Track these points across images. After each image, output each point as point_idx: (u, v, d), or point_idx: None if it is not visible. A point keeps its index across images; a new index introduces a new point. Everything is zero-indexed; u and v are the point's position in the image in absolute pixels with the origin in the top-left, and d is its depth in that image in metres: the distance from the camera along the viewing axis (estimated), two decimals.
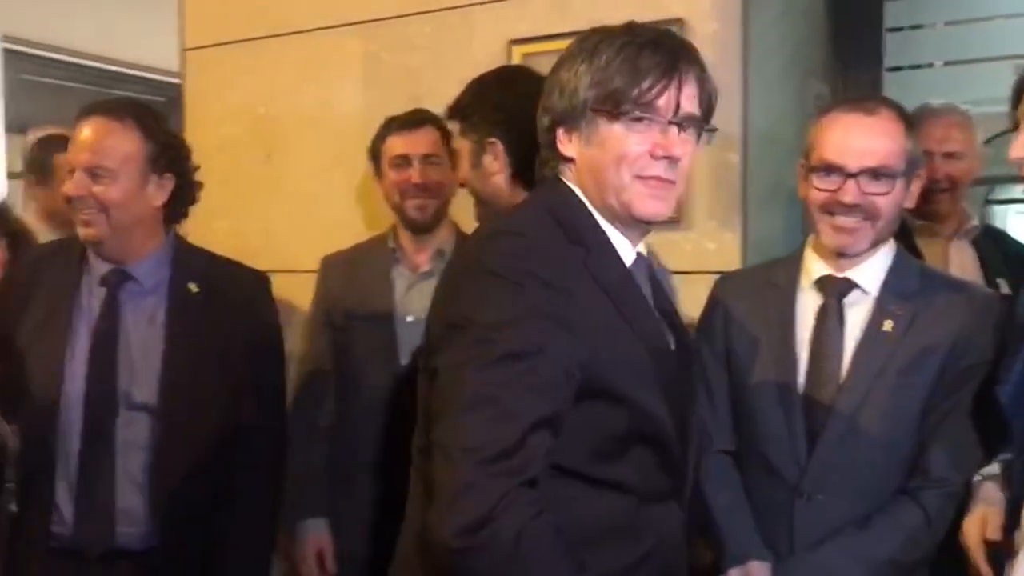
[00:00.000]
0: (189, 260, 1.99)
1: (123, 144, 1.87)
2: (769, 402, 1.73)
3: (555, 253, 1.22)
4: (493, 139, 1.69)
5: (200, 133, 2.86)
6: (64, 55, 5.01)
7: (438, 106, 2.58)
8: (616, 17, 2.30)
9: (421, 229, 2.29)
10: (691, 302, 1.95)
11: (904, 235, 2.24)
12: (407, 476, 1.34)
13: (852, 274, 1.72)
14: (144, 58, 5.01)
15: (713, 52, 2.24)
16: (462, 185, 1.92)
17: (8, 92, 4.87)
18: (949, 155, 2.40)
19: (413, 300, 2.23)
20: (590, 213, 1.30)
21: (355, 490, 2.23)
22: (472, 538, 1.08)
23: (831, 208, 1.67)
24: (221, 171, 2.78)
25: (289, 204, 2.81)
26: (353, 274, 2.34)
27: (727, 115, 2.22)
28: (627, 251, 1.32)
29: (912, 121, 1.76)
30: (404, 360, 2.19)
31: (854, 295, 1.72)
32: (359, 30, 2.69)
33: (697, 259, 2.24)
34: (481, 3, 2.53)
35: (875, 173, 1.64)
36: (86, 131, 1.87)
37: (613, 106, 1.25)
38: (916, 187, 1.73)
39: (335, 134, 2.67)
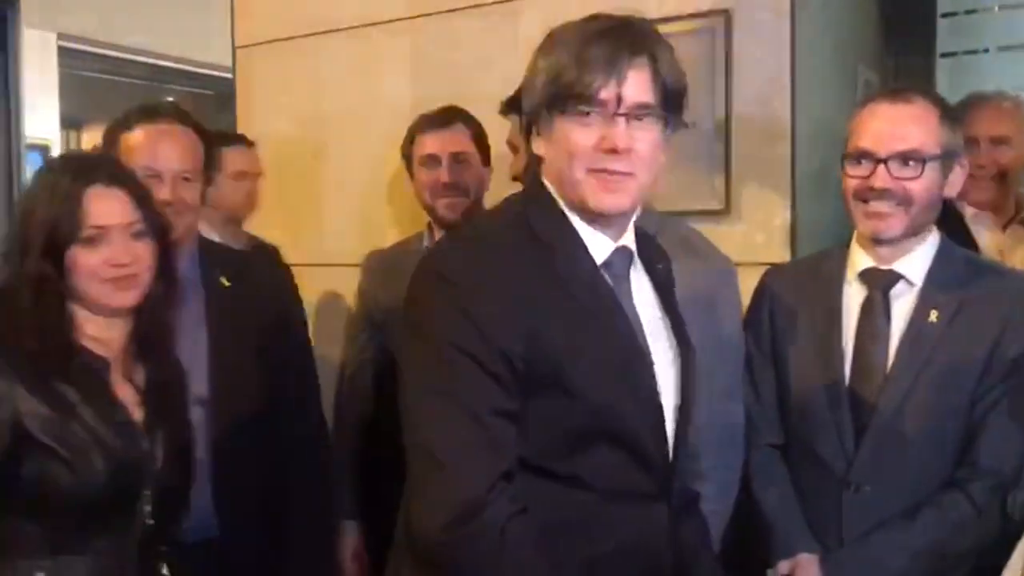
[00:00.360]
0: (213, 254, 2.03)
1: (199, 148, 1.93)
2: (816, 395, 1.72)
3: (513, 255, 1.24)
4: None
5: (251, 129, 2.92)
6: (117, 51, 5.12)
7: (484, 102, 2.60)
8: (661, 9, 2.32)
9: (453, 228, 2.25)
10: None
11: (957, 224, 2.21)
12: None
13: (897, 265, 1.72)
14: (193, 54, 5.10)
15: (761, 42, 2.23)
16: (515, 179, 1.92)
17: (62, 88, 4.98)
18: (996, 141, 2.36)
19: None
20: (560, 211, 1.29)
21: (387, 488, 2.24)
22: (458, 530, 1.14)
23: (864, 195, 1.68)
24: (271, 166, 2.83)
25: (338, 199, 2.85)
26: (390, 272, 2.31)
27: (776, 105, 2.22)
28: (601, 247, 1.30)
29: (954, 110, 1.75)
30: None
31: (899, 287, 1.72)
32: (407, 26, 2.71)
33: (746, 250, 2.23)
34: None
35: (905, 158, 1.65)
36: (166, 137, 1.91)
37: (561, 101, 1.24)
38: (958, 175, 1.71)
39: (383, 130, 2.70)
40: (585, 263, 1.28)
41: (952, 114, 1.72)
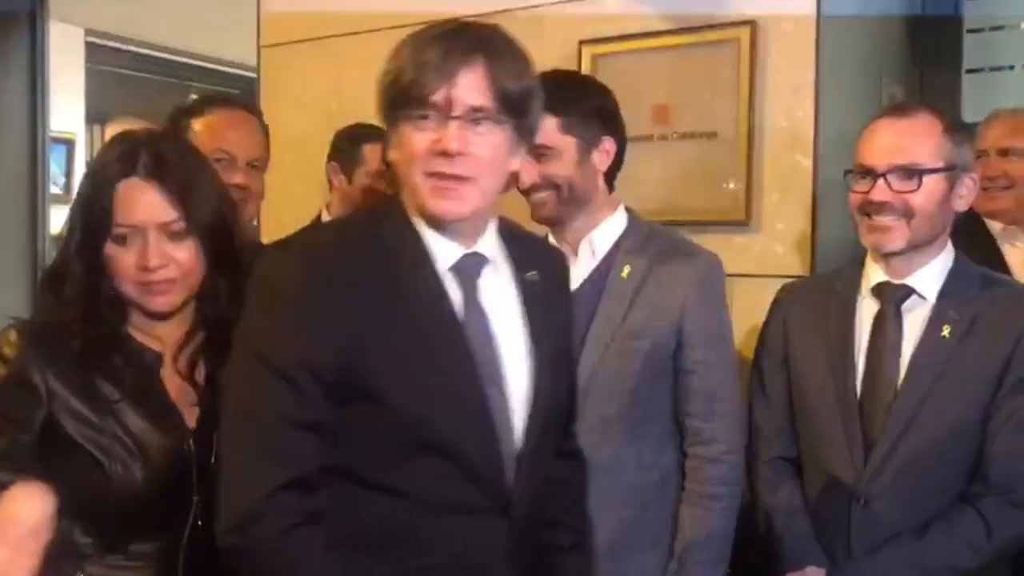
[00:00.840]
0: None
1: (265, 140, 2.01)
2: (827, 408, 1.72)
3: (346, 263, 1.23)
4: (607, 138, 1.75)
5: (274, 128, 2.91)
6: (142, 48, 5.16)
7: None
8: (687, 18, 2.32)
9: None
10: (757, 306, 1.95)
11: (982, 239, 2.20)
12: None
13: (910, 280, 1.72)
14: (218, 52, 5.13)
15: (786, 53, 2.23)
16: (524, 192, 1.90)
17: (89, 83, 5.02)
18: (1004, 152, 2.39)
19: None
20: (407, 218, 1.28)
21: None
22: (237, 539, 1.16)
23: (866, 208, 1.70)
24: (293, 165, 2.85)
25: None
26: None
27: (799, 117, 2.22)
28: (447, 253, 1.28)
29: (961, 126, 1.77)
30: None
31: (912, 301, 1.72)
32: None
33: (765, 262, 2.23)
34: (551, 3, 2.54)
35: (904, 171, 1.66)
36: (241, 123, 1.94)
37: (400, 105, 1.23)
38: (968, 189, 1.72)
39: None
40: (425, 269, 1.26)
41: (958, 129, 1.73)
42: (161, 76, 5.52)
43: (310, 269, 1.22)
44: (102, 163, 1.41)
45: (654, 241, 1.78)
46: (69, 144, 5.06)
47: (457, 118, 1.21)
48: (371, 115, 2.99)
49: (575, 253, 1.78)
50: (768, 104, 2.25)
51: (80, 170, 5.28)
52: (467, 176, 1.23)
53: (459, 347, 1.24)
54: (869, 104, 2.43)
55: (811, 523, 1.73)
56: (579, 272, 1.76)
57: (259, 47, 3.06)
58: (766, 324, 1.88)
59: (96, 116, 5.52)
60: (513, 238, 1.38)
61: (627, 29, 2.40)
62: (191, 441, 1.38)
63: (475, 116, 1.22)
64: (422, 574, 1.21)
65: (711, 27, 2.29)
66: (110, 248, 1.38)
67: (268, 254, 1.32)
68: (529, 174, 1.72)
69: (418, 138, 1.22)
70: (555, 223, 1.80)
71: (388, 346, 1.20)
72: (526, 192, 1.77)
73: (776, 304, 1.89)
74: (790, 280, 2.07)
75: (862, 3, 2.43)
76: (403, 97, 1.22)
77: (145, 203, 1.37)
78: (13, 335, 1.36)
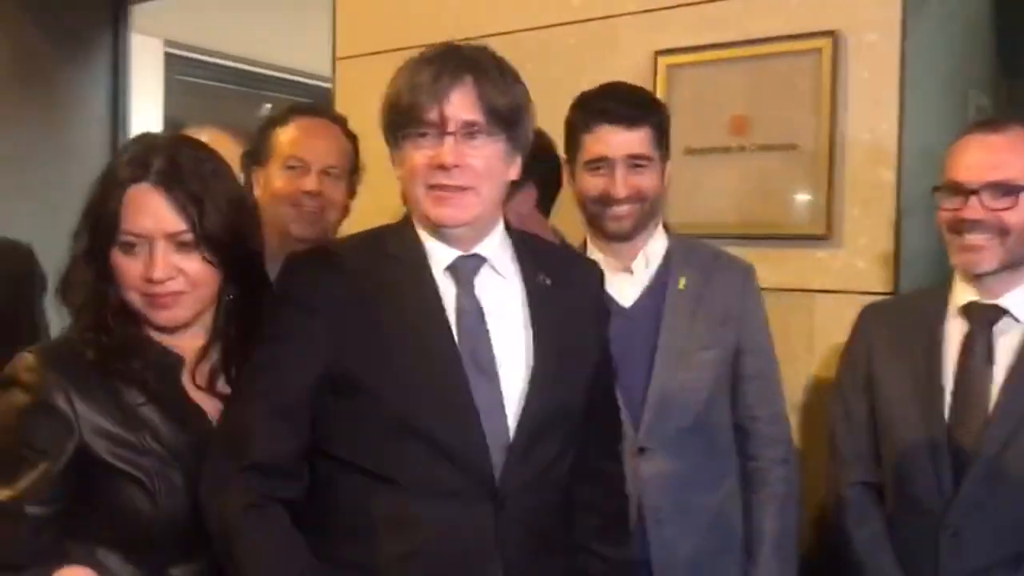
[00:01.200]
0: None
1: (348, 149, 2.07)
2: (914, 433, 1.67)
3: (346, 268, 1.35)
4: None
5: None
6: (219, 58, 5.27)
7: None
8: (765, 29, 2.28)
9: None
10: (838, 323, 1.90)
11: None
12: None
13: (1002, 301, 1.66)
14: (293, 63, 5.22)
15: (869, 65, 2.18)
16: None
17: (167, 93, 5.15)
18: None
19: None
20: (412, 229, 1.39)
21: None
22: (205, 508, 1.25)
23: (958, 227, 1.65)
24: (369, 177, 2.87)
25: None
26: None
27: (883, 129, 2.16)
28: (444, 255, 1.37)
29: None
30: None
31: (1004, 322, 1.66)
32: (503, 41, 2.70)
33: (846, 278, 2.17)
34: (626, 14, 2.51)
35: (999, 188, 1.62)
36: (318, 130, 1.97)
37: (400, 126, 1.34)
38: None
39: None
40: (423, 271, 1.36)
41: None
42: (237, 86, 5.63)
43: (324, 274, 1.35)
44: (115, 165, 1.34)
45: (696, 253, 1.83)
46: None
47: (451, 134, 1.31)
48: None
49: (629, 269, 1.80)
50: (850, 116, 2.19)
51: None
52: (466, 186, 1.32)
53: (444, 339, 1.31)
54: (955, 116, 2.36)
55: (894, 555, 1.68)
56: (635, 287, 1.78)
57: (334, 58, 3.10)
58: (849, 345, 1.84)
59: (172, 125, 5.66)
60: (532, 247, 1.46)
61: (703, 39, 2.36)
62: None
63: (468, 131, 1.31)
64: (412, 558, 1.26)
65: (791, 37, 2.24)
66: (116, 256, 1.31)
67: (287, 258, 1.40)
68: (625, 186, 1.74)
69: (418, 155, 1.33)
70: (628, 238, 1.79)
71: (378, 340, 1.30)
72: (606, 203, 1.76)
73: (860, 324, 1.84)
74: (872, 296, 2.02)
75: (948, 13, 2.36)
76: (402, 118, 1.33)
77: (153, 211, 1.30)
78: (31, 359, 1.27)
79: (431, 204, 1.33)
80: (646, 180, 1.75)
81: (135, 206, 1.30)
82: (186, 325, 1.36)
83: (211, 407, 1.36)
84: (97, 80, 4.18)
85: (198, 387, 1.36)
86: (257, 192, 2.04)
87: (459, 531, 1.27)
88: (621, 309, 1.75)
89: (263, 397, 1.29)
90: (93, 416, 1.25)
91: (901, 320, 1.77)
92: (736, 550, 1.76)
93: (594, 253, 1.81)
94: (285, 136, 1.99)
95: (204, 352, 1.38)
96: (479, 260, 1.38)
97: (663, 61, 2.46)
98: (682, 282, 1.76)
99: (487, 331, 1.34)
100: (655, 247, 1.81)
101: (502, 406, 1.31)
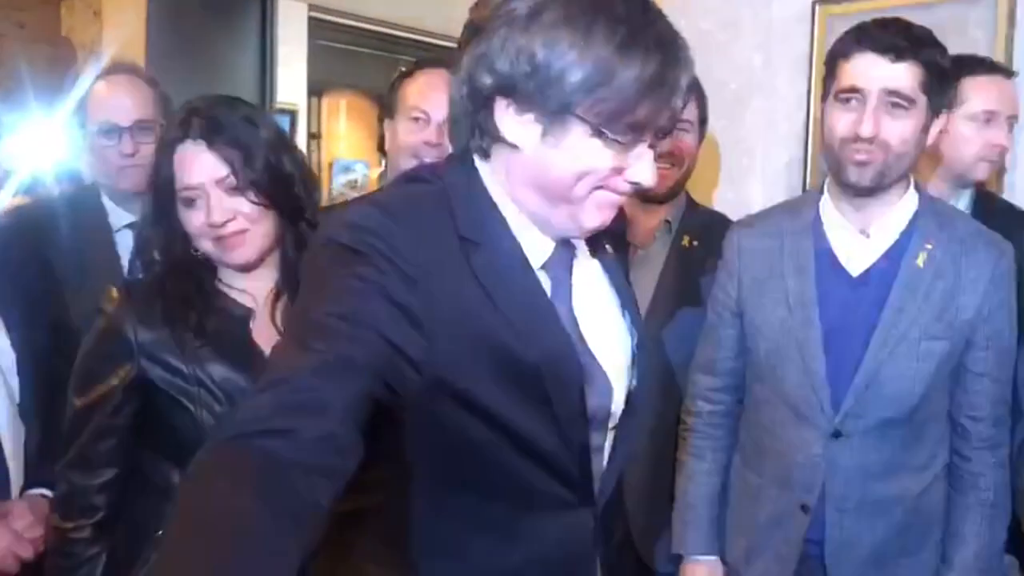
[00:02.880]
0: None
1: None
2: None
3: (421, 237, 1.03)
4: (944, 112, 1.56)
5: None
6: (360, 22, 5.36)
7: (730, 71, 2.51)
8: None
9: (653, 200, 2.01)
10: None
11: None
12: None
13: None
14: (430, 25, 5.26)
15: None
16: None
17: (310, 57, 5.28)
18: None
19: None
20: (494, 205, 1.09)
21: None
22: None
23: None
24: None
25: None
26: None
27: None
28: (540, 247, 1.11)
29: None
30: None
31: None
32: None
33: None
34: None
35: None
36: (439, 81, 1.95)
37: (604, 123, 1.01)
38: None
39: None
40: (517, 262, 1.08)
41: None
42: (376, 50, 5.72)
43: (387, 235, 1.03)
44: (166, 132, 1.50)
45: (950, 224, 1.58)
46: (292, 114, 5.34)
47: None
48: None
49: (866, 232, 1.57)
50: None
51: (302, 138, 5.59)
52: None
53: (559, 342, 1.09)
54: None
55: None
56: (868, 254, 1.57)
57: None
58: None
59: (313, 88, 5.81)
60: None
61: None
62: None
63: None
64: (519, 572, 1.12)
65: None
66: (182, 212, 1.45)
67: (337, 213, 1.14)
68: (873, 124, 1.49)
69: (606, 156, 1.04)
70: (868, 192, 1.54)
71: (471, 342, 1.05)
72: (848, 143, 1.51)
73: None
74: None
75: None
76: (615, 117, 1.02)
77: (200, 163, 1.44)
78: (115, 292, 1.45)
79: (592, 210, 1.09)
80: (900, 126, 1.49)
81: (185, 162, 1.44)
82: (257, 264, 1.49)
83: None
84: (247, 47, 4.32)
85: (275, 327, 1.47)
86: (388, 146, 2.07)
87: (566, 540, 1.15)
88: (848, 278, 1.57)
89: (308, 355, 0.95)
90: (153, 347, 1.41)
91: None
92: (929, 552, 1.59)
93: (828, 212, 1.60)
94: (410, 88, 2.00)
95: (276, 294, 1.50)
96: (571, 248, 1.16)
97: (822, 10, 2.36)
98: (921, 257, 1.54)
99: (580, 329, 1.13)
100: (901, 210, 1.57)
101: (608, 403, 1.15)
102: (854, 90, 1.50)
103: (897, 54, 1.47)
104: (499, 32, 1.02)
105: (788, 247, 1.61)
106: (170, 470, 1.42)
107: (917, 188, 1.59)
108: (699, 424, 1.73)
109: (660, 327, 1.90)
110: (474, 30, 1.05)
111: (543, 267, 1.11)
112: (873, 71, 1.49)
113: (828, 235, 1.59)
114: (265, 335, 1.46)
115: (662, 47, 1.00)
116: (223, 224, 1.44)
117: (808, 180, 2.43)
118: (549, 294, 1.10)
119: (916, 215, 1.57)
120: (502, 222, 1.09)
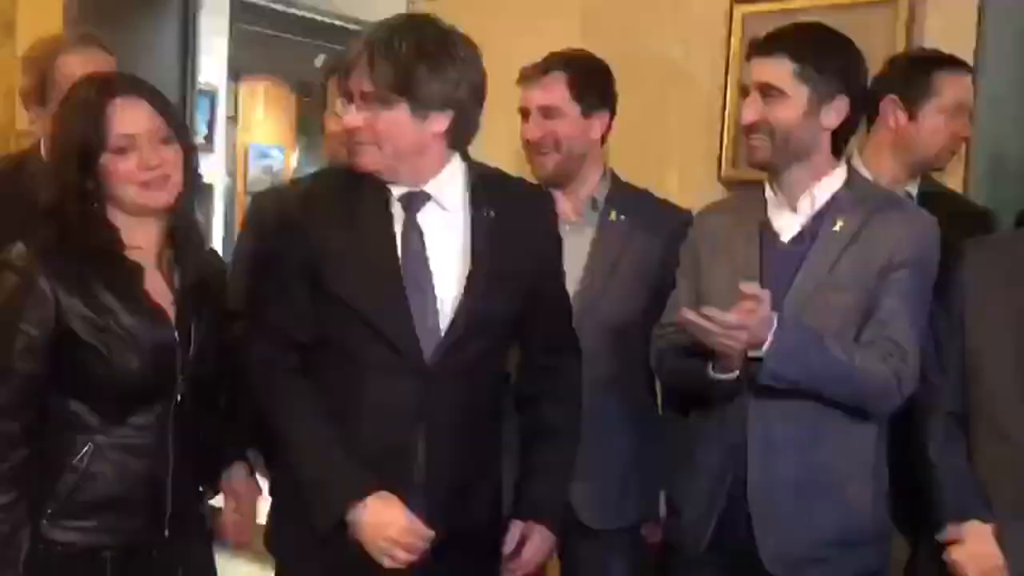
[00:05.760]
0: None
1: None
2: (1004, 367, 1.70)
3: (323, 196, 1.69)
4: (842, 97, 1.72)
5: None
6: (284, 6, 5.32)
7: (654, 62, 2.64)
8: None
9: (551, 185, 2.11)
10: None
11: None
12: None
13: None
14: (361, 13, 5.23)
15: (947, 24, 2.20)
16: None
17: (231, 41, 5.23)
18: None
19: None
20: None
21: None
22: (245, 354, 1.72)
23: None
24: None
25: (503, 154, 2.92)
26: None
27: None
28: (397, 190, 1.65)
29: None
30: None
31: None
32: None
33: None
34: None
35: None
36: None
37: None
38: None
39: None
40: (377, 200, 1.65)
41: None
42: (297, 36, 5.67)
43: (296, 200, 1.72)
44: (81, 98, 1.64)
45: (873, 197, 1.77)
46: (212, 96, 5.28)
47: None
48: (518, 67, 3.05)
49: (792, 206, 1.76)
50: None
51: (221, 120, 5.53)
52: (366, 142, 1.61)
53: (388, 251, 1.63)
54: None
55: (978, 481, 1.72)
56: (793, 224, 1.76)
57: (409, 5, 3.14)
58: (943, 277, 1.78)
59: (232, 72, 5.74)
60: (489, 183, 1.71)
61: None
62: (176, 333, 1.67)
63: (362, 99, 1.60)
64: (355, 415, 1.63)
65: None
66: (109, 159, 1.60)
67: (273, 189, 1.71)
68: (752, 113, 1.72)
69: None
70: (767, 169, 1.77)
71: (339, 249, 1.62)
72: (745, 132, 1.76)
73: (959, 259, 1.79)
74: None
75: None
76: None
77: (137, 114, 1.63)
78: (21, 247, 1.60)
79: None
80: (776, 112, 1.70)
81: (122, 113, 1.61)
82: (163, 211, 1.68)
83: (167, 299, 1.69)
84: (167, 28, 4.25)
85: (162, 274, 1.69)
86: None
87: (395, 397, 1.63)
88: (782, 244, 1.77)
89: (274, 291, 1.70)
90: (71, 303, 1.58)
91: (999, 257, 1.78)
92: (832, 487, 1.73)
93: (769, 188, 1.80)
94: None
95: (164, 245, 1.70)
96: (424, 197, 1.66)
97: (739, 10, 2.50)
98: (838, 224, 1.72)
99: (426, 253, 1.64)
100: (823, 188, 1.75)
101: (436, 309, 1.63)
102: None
103: (767, 51, 1.72)
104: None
105: (742, 221, 1.82)
106: (77, 405, 1.62)
107: (849, 170, 1.79)
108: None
109: (596, 294, 2.07)
110: None
111: (399, 200, 1.66)
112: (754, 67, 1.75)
113: (769, 211, 1.80)
114: (153, 285, 1.67)
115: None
116: (156, 167, 1.62)
117: (723, 169, 2.59)
118: (403, 219, 1.65)
119: (840, 188, 1.76)
120: (376, 179, 1.67)
